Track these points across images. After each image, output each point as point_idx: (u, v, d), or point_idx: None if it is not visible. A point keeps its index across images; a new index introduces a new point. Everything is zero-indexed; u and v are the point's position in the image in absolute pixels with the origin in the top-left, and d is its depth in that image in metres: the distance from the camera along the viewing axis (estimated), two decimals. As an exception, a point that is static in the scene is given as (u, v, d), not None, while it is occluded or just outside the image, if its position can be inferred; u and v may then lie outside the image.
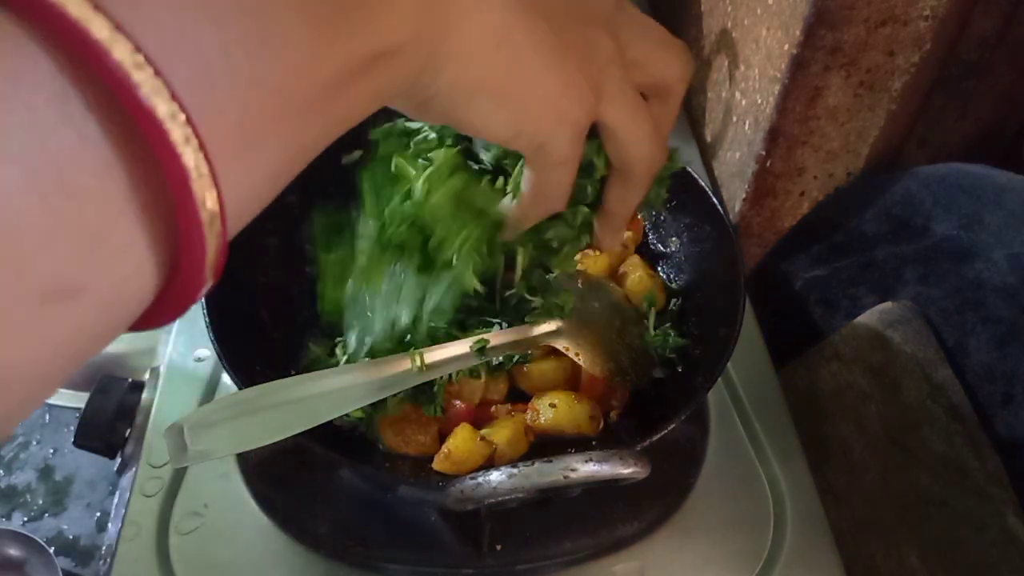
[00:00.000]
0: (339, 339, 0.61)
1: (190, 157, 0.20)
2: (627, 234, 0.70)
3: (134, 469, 0.63)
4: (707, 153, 0.94)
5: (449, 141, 0.50)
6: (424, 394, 0.58)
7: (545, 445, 0.58)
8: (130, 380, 0.70)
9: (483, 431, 0.58)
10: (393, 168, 0.52)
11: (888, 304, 0.71)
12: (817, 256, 0.82)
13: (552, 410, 0.58)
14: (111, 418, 0.67)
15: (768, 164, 0.80)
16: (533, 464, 0.46)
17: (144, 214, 0.21)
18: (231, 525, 0.60)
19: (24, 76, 0.19)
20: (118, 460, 0.67)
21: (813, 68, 0.72)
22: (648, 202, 0.49)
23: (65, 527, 0.81)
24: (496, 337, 0.57)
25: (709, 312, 0.65)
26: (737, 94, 0.85)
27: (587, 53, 0.35)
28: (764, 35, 0.78)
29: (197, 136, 0.20)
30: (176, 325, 0.72)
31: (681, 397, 0.60)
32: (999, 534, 0.59)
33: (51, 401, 0.90)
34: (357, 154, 0.71)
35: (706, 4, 0.95)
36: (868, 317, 0.72)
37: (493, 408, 0.61)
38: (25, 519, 0.82)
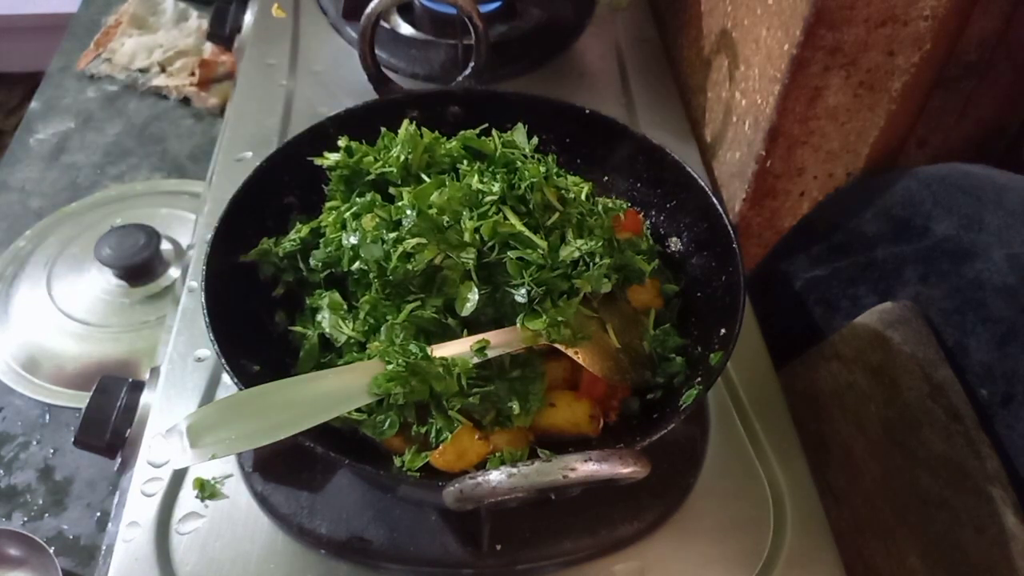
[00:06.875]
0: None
1: None
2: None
3: (134, 469, 0.63)
4: (707, 153, 0.94)
5: None
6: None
7: (544, 445, 0.58)
8: (130, 380, 0.70)
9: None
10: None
11: (888, 304, 0.71)
12: (817, 256, 0.82)
13: (552, 410, 0.58)
14: (111, 418, 0.67)
15: (768, 164, 0.80)
16: (532, 464, 0.46)
17: None
18: (231, 525, 0.60)
19: None
20: (118, 460, 0.67)
21: (813, 68, 0.72)
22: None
23: (65, 527, 0.81)
24: (496, 336, 0.57)
25: (709, 312, 0.65)
26: (737, 94, 0.85)
27: None
28: (764, 35, 0.78)
29: None
30: (176, 325, 0.72)
31: (681, 397, 0.60)
32: (999, 534, 0.59)
33: (51, 401, 0.90)
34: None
35: (706, 4, 0.95)
36: (868, 317, 0.72)
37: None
38: (25, 519, 0.82)
